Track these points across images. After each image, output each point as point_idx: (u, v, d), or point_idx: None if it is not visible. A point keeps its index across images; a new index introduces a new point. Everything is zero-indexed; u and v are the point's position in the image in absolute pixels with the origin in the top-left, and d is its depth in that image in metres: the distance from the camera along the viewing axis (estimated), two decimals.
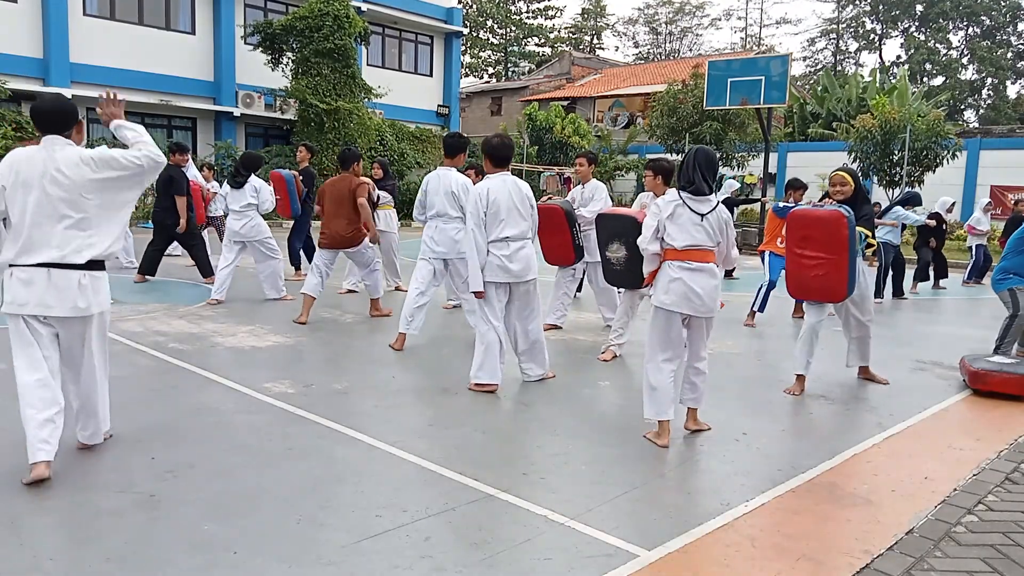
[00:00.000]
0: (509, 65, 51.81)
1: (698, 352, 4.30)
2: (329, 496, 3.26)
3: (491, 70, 53.35)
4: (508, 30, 52.11)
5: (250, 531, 2.91)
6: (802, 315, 8.50)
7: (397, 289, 9.31)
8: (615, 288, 6.78)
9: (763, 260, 8.27)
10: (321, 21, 20.12)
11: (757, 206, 19.93)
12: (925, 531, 3.14)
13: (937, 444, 4.31)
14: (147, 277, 9.04)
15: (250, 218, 8.10)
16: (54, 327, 3.37)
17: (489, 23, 51.63)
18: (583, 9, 56.99)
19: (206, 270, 9.23)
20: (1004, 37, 47.94)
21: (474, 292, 5.00)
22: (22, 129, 17.61)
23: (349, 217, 7.16)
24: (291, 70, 21.04)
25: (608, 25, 59.35)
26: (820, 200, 5.56)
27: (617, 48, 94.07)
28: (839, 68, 50.32)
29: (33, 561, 2.63)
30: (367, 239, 7.35)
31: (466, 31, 33.92)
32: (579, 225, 6.68)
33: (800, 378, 5.27)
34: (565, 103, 32.74)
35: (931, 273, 11.78)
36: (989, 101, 48.45)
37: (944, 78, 47.90)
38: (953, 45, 49.44)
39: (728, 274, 11.16)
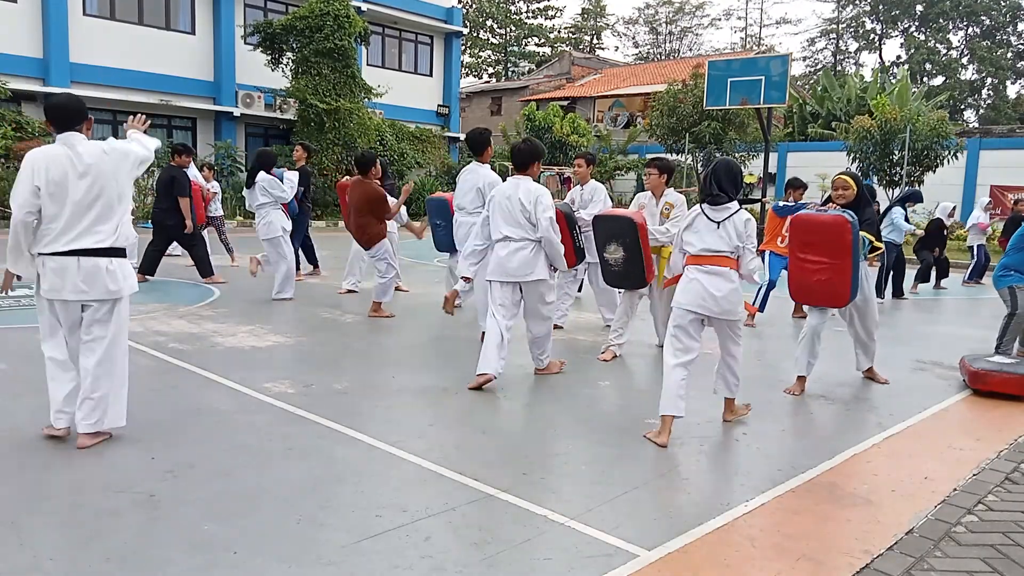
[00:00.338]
0: (509, 65, 51.81)
1: (728, 348, 4.46)
2: (329, 496, 3.26)
3: (491, 70, 53.35)
4: (508, 30, 52.12)
5: (250, 531, 2.91)
6: (802, 315, 8.52)
7: (397, 289, 9.30)
8: (615, 289, 6.78)
9: (763, 260, 8.27)
10: (321, 21, 20.13)
11: (757, 206, 19.92)
12: (925, 531, 3.14)
13: (937, 444, 4.31)
14: (147, 277, 9.03)
15: (263, 216, 8.23)
16: (81, 313, 3.67)
17: (489, 23, 51.64)
18: (583, 9, 57.03)
19: (206, 270, 9.22)
20: (1004, 37, 47.95)
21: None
22: (22, 129, 17.63)
23: (364, 223, 7.25)
24: (291, 70, 21.06)
25: (608, 25, 59.39)
26: (823, 204, 5.55)
27: (617, 48, 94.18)
28: (839, 68, 50.34)
29: (33, 561, 2.63)
30: (385, 241, 7.43)
31: (466, 31, 33.92)
32: (579, 227, 6.68)
33: (801, 379, 5.27)
34: (565, 103, 32.76)
35: (932, 274, 11.79)
36: (989, 101, 48.46)
37: (944, 78, 47.91)
38: (953, 45, 49.46)
39: None
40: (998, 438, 4.43)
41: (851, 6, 52.26)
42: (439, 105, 28.48)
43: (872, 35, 52.63)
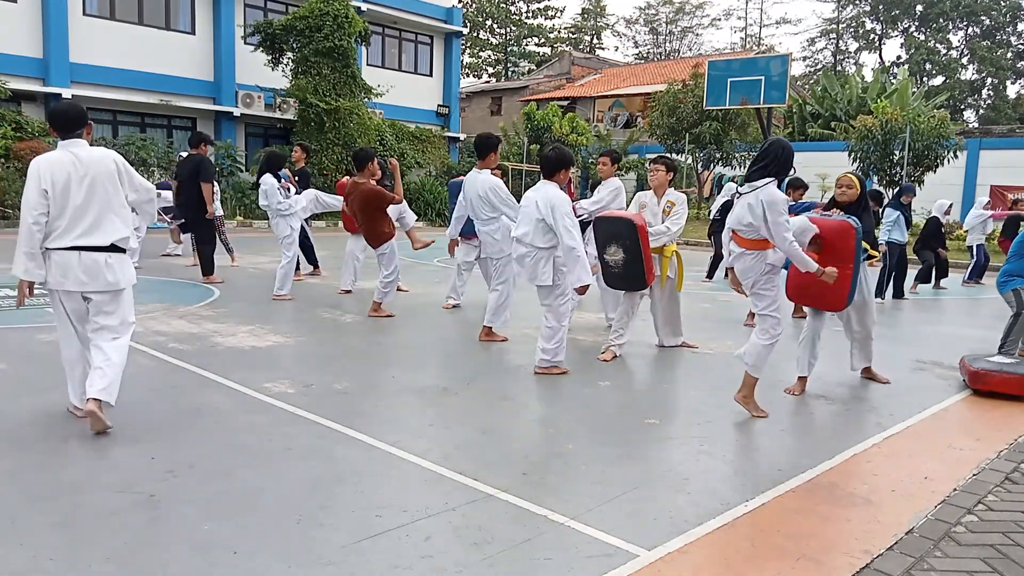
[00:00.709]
0: (509, 65, 51.81)
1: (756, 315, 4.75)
2: (329, 496, 3.26)
3: (491, 70, 53.36)
4: (508, 30, 52.12)
5: (250, 531, 2.91)
6: (802, 315, 8.51)
7: (397, 289, 9.30)
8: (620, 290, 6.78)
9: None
10: (321, 21, 20.13)
11: None
12: (925, 531, 3.14)
13: (937, 444, 4.31)
14: (214, 279, 9.24)
15: (272, 216, 8.36)
16: (86, 302, 3.96)
17: (489, 23, 51.65)
18: (583, 9, 57.05)
19: (208, 269, 9.24)
20: (1004, 37, 47.97)
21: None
22: (22, 129, 17.62)
23: (371, 222, 7.28)
24: (291, 70, 21.06)
25: (608, 25, 59.42)
26: (827, 208, 5.56)
27: (617, 48, 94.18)
28: (839, 68, 50.35)
29: (33, 561, 2.63)
30: (392, 242, 7.43)
31: (466, 31, 33.93)
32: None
33: (802, 379, 5.27)
34: (565, 103, 32.76)
35: (932, 275, 11.81)
36: (989, 101, 48.47)
37: (944, 78, 47.92)
38: (953, 45, 49.48)
39: (710, 275, 11.15)
40: (998, 438, 4.43)
41: (851, 6, 52.28)
42: (439, 105, 28.48)
43: (872, 35, 52.65)
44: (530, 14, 51.79)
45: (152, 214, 4.37)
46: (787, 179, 8.41)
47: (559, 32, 54.89)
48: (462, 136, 28.69)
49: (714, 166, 25.40)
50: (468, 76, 50.23)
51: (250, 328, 6.72)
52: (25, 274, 3.82)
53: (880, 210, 11.03)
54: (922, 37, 48.97)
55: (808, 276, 5.14)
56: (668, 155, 6.15)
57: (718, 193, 14.50)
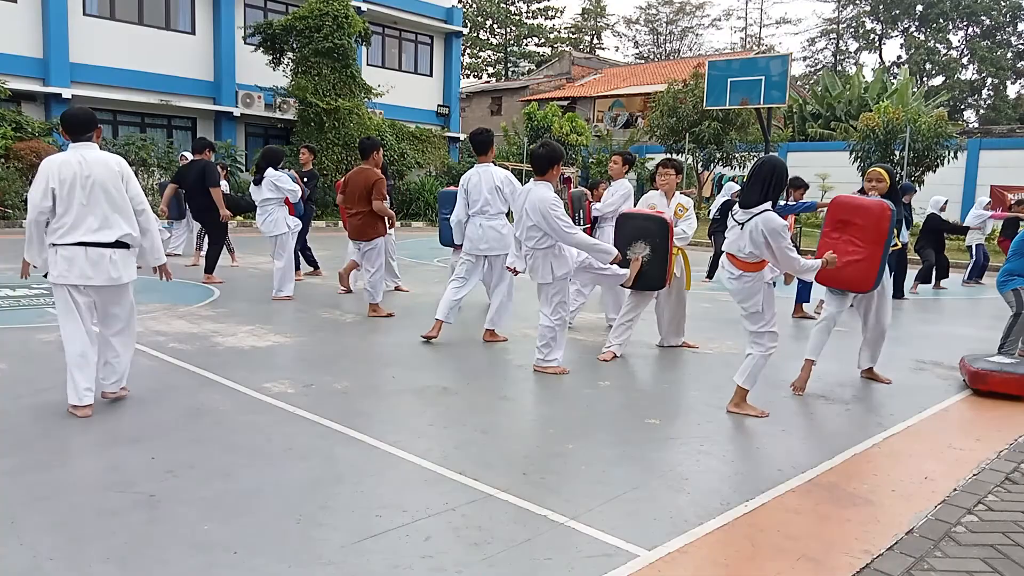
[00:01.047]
0: (509, 65, 51.81)
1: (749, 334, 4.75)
2: (329, 496, 3.26)
3: (491, 70, 53.36)
4: (508, 30, 52.12)
5: (250, 531, 2.91)
6: (802, 315, 8.54)
7: (397, 289, 9.31)
8: (625, 289, 6.77)
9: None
10: (321, 21, 20.12)
11: None
12: (925, 531, 3.14)
13: (937, 444, 4.31)
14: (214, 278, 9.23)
15: (268, 213, 8.22)
16: (92, 296, 4.18)
17: (489, 23, 51.64)
18: (583, 9, 57.02)
19: (210, 267, 9.26)
20: (1004, 37, 47.97)
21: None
22: (22, 129, 17.62)
23: (365, 211, 7.22)
24: (291, 70, 21.06)
25: (608, 25, 59.43)
26: (859, 193, 5.61)
27: (617, 48, 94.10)
28: (839, 68, 50.35)
29: (33, 561, 2.63)
30: (380, 239, 7.43)
31: (466, 31, 33.93)
32: (585, 212, 6.76)
33: (807, 364, 5.26)
34: (565, 103, 32.76)
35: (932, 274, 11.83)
36: (989, 101, 48.47)
37: (944, 78, 47.93)
38: (953, 45, 49.49)
39: (710, 275, 11.12)
40: (998, 438, 4.43)
41: (851, 6, 52.28)
42: (439, 105, 28.48)
43: (872, 35, 52.65)
44: (530, 14, 51.79)
45: (143, 226, 4.29)
46: (788, 179, 8.42)
47: (559, 32, 54.89)
48: (462, 136, 28.67)
49: (714, 166, 25.40)
50: (468, 76, 50.25)
51: (250, 328, 6.72)
52: (27, 256, 4.21)
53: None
54: (922, 37, 48.97)
55: (840, 255, 5.15)
56: (675, 157, 6.14)
57: (718, 193, 14.49)
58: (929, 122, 18.72)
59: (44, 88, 19.11)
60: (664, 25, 58.84)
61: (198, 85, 22.00)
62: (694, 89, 22.76)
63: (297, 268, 10.12)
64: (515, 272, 5.84)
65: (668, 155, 6.68)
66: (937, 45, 48.70)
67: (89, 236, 4.06)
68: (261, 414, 4.34)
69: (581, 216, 6.89)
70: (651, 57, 57.40)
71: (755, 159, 4.59)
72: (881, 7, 50.06)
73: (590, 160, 27.03)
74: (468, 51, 49.84)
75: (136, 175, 4.33)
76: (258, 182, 8.23)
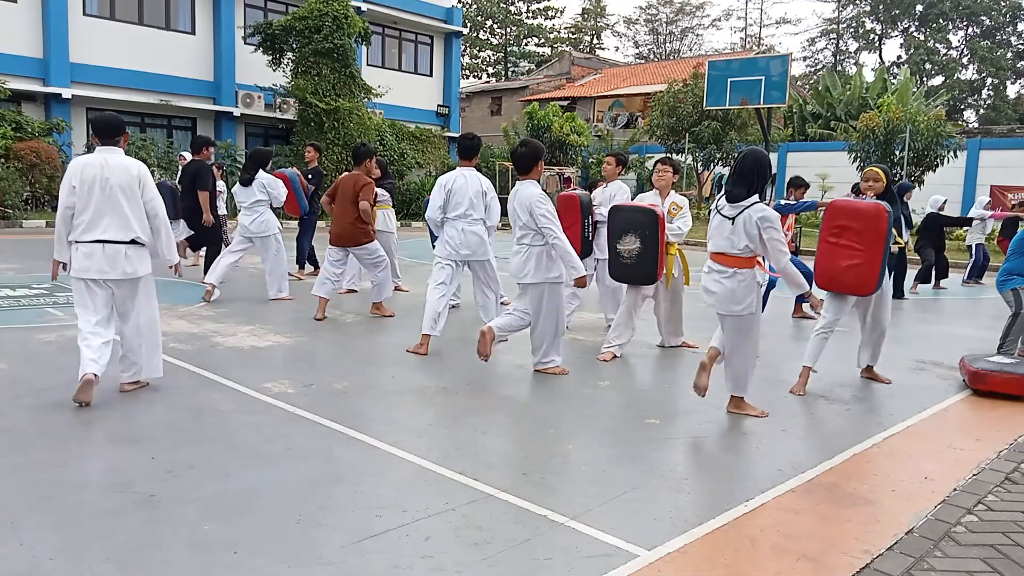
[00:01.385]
0: (509, 65, 51.81)
1: (729, 342, 4.53)
2: (329, 496, 3.26)
3: (491, 70, 53.35)
4: (508, 30, 52.11)
5: (250, 531, 2.91)
6: (802, 315, 8.53)
7: (397, 289, 9.30)
8: (622, 287, 6.76)
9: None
10: (321, 22, 20.12)
11: None
12: (925, 531, 3.14)
13: (937, 444, 4.31)
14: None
15: (259, 214, 8.14)
16: (110, 288, 4.46)
17: (489, 23, 51.63)
18: (583, 9, 57.01)
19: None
20: (1004, 37, 47.98)
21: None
22: (22, 129, 17.62)
23: (354, 215, 7.18)
24: (291, 70, 21.06)
25: (608, 25, 59.41)
26: (855, 194, 5.61)
27: (617, 48, 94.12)
28: (839, 68, 50.35)
29: (33, 561, 2.63)
30: (375, 242, 7.41)
31: (466, 31, 33.94)
32: (592, 218, 6.72)
33: (806, 371, 5.26)
34: (565, 103, 32.75)
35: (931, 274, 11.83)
36: (989, 101, 48.46)
37: (944, 78, 47.92)
38: (953, 45, 49.49)
39: None
40: (998, 438, 4.43)
41: (851, 6, 52.28)
42: (439, 105, 28.48)
43: (872, 35, 52.65)
44: (530, 14, 51.79)
45: (155, 228, 4.59)
46: (788, 179, 8.42)
47: (559, 32, 54.88)
48: None
49: (714, 166, 25.40)
50: (468, 76, 50.24)
51: (250, 328, 6.72)
52: (57, 255, 4.54)
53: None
54: (922, 37, 48.97)
55: (836, 262, 5.17)
56: (672, 156, 6.12)
57: (718, 193, 14.50)
58: (929, 122, 18.71)
59: (44, 88, 19.11)
60: (664, 25, 58.84)
61: (198, 85, 22.01)
62: (694, 89, 22.77)
63: (302, 267, 10.15)
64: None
65: (666, 154, 6.64)
66: (937, 45, 48.70)
67: (106, 234, 4.37)
68: (261, 414, 4.34)
69: (590, 223, 6.77)
70: (651, 57, 57.39)
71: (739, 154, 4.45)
72: (881, 7, 50.06)
73: (590, 160, 27.01)
74: (468, 51, 49.83)
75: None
76: (246, 182, 8.15)
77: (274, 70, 21.13)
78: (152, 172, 18.96)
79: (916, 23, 49.75)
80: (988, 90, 48.88)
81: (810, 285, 5.12)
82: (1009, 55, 47.46)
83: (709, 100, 19.66)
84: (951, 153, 18.84)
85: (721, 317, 4.54)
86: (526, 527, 3.02)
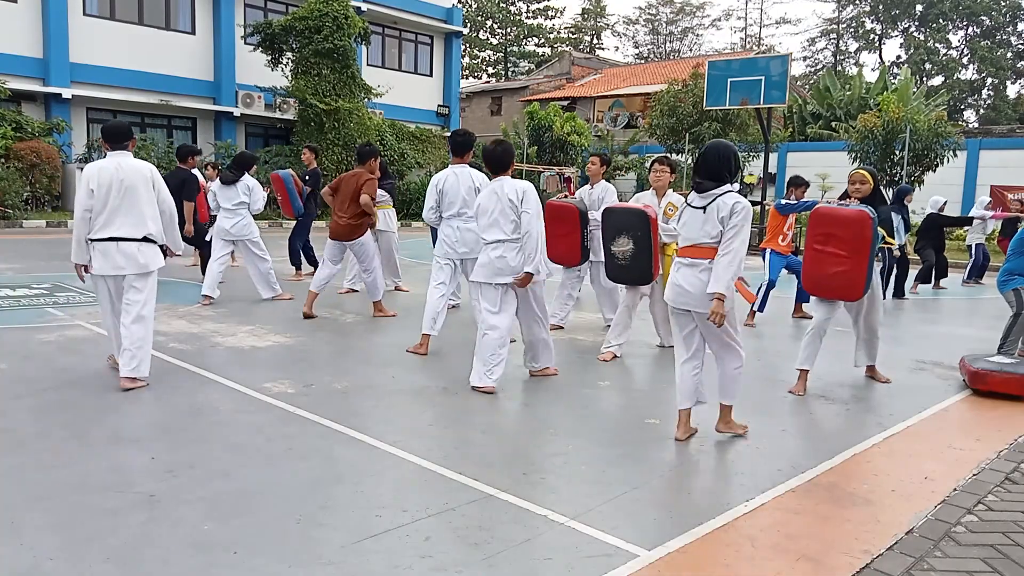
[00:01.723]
0: (509, 65, 51.80)
1: (713, 348, 4.23)
2: (329, 496, 3.26)
3: (491, 70, 53.35)
4: (508, 30, 52.10)
5: (250, 531, 2.91)
6: (802, 315, 8.53)
7: (397, 289, 9.30)
8: (618, 287, 6.77)
9: (764, 259, 8.28)
10: (321, 22, 20.11)
11: (757, 207, 19.93)
12: (925, 531, 3.14)
13: (937, 444, 4.31)
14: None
15: (241, 216, 8.09)
16: (122, 284, 4.79)
17: (489, 23, 51.63)
18: (583, 9, 57.00)
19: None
20: (1004, 37, 47.97)
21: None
22: (22, 129, 17.62)
23: (353, 211, 7.20)
24: (291, 70, 21.05)
25: (608, 25, 59.39)
26: (841, 199, 5.59)
27: (617, 48, 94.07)
28: (839, 68, 50.35)
29: (33, 561, 2.63)
30: (368, 234, 7.41)
31: (466, 31, 33.94)
32: (588, 226, 6.70)
33: (803, 374, 5.25)
34: (565, 103, 32.74)
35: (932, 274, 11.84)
36: (989, 101, 48.46)
37: (944, 78, 47.91)
38: (953, 45, 49.48)
39: None
40: (998, 438, 4.43)
41: (851, 6, 52.27)
42: (439, 105, 28.47)
43: (872, 35, 52.64)
44: (530, 14, 51.77)
45: (166, 224, 4.98)
46: (788, 178, 8.42)
47: (559, 32, 54.86)
48: None
49: None
50: (468, 76, 50.23)
51: (250, 328, 6.72)
52: (75, 258, 4.84)
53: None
54: (922, 37, 48.96)
55: (822, 268, 5.15)
56: (669, 156, 6.11)
57: None
58: (929, 122, 18.71)
59: (44, 88, 19.11)
60: (664, 25, 58.83)
61: (198, 85, 22.00)
62: (694, 89, 22.73)
63: (298, 268, 10.13)
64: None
65: (663, 154, 6.62)
66: (937, 45, 48.69)
67: (120, 232, 4.71)
68: (261, 414, 4.34)
69: (588, 232, 6.75)
70: (651, 57, 57.38)
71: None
72: (881, 7, 50.05)
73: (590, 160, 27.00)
74: (468, 51, 49.82)
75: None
76: (230, 182, 8.10)
77: (272, 70, 21.11)
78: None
79: (916, 23, 49.74)
80: (988, 90, 48.87)
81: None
82: (1009, 55, 47.46)
83: (709, 100, 19.62)
84: (951, 153, 18.84)
85: (697, 319, 4.13)
86: (526, 527, 3.02)
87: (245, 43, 21.82)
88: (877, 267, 5.48)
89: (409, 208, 22.69)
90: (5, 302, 7.58)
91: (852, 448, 4.15)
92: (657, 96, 24.59)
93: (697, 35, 64.02)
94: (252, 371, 5.26)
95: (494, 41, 52.56)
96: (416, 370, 5.53)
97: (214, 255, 8.06)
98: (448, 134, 27.39)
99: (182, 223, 8.79)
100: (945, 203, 11.98)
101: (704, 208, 3.98)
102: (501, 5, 50.47)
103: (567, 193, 8.07)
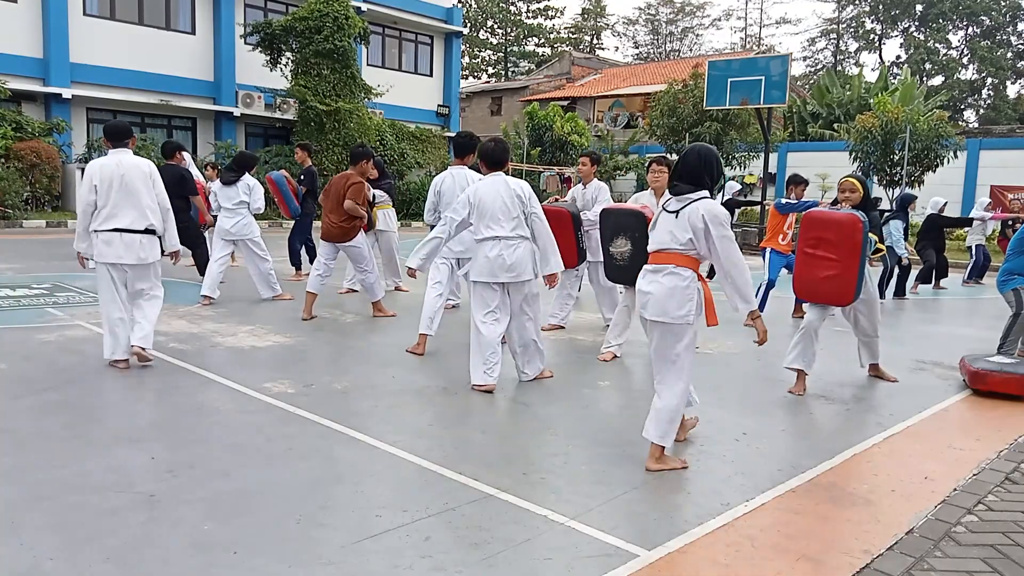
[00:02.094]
0: (509, 65, 51.80)
1: (660, 371, 3.76)
2: (329, 496, 3.26)
3: (491, 70, 53.35)
4: (508, 30, 52.10)
5: (250, 531, 2.91)
6: (802, 315, 8.51)
7: (397, 289, 9.30)
8: (617, 287, 6.77)
9: (764, 258, 8.28)
10: (321, 22, 20.11)
11: (757, 208, 19.93)
12: (925, 531, 3.14)
13: (937, 444, 4.31)
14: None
15: (241, 216, 8.09)
16: (126, 272, 5.15)
17: (489, 23, 51.63)
18: (583, 9, 56.99)
19: (204, 270, 9.23)
20: (1004, 37, 47.96)
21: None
22: (22, 129, 17.62)
23: (341, 213, 7.18)
24: (291, 71, 21.05)
25: (608, 25, 59.38)
26: (833, 205, 5.57)
27: (617, 48, 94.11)
28: (839, 68, 50.36)
29: (33, 561, 2.63)
30: (361, 236, 7.39)
31: (466, 31, 33.93)
32: (583, 227, 6.69)
33: (802, 376, 5.25)
34: (565, 103, 32.75)
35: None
36: (989, 101, 48.45)
37: (944, 78, 47.91)
38: (953, 45, 49.47)
39: (710, 275, 11.11)
40: (998, 438, 4.43)
41: (851, 6, 52.26)
42: (439, 105, 28.47)
43: (872, 35, 52.64)
44: (530, 14, 51.77)
45: (164, 218, 5.29)
46: (787, 177, 8.41)
47: (559, 32, 54.86)
48: None
49: None
50: (468, 76, 50.23)
51: (250, 328, 6.72)
52: (77, 246, 5.20)
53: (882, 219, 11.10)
54: (922, 37, 48.95)
55: (814, 271, 5.15)
56: (667, 156, 6.10)
57: (719, 193, 14.51)
58: (929, 122, 18.71)
59: (44, 88, 19.11)
60: (664, 25, 58.83)
61: (198, 85, 22.00)
62: (694, 89, 22.72)
63: (298, 268, 10.12)
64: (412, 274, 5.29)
65: (662, 154, 6.61)
66: (937, 45, 48.68)
67: (124, 224, 5.05)
68: (261, 414, 4.34)
69: (582, 235, 6.74)
70: (651, 57, 57.37)
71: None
72: (881, 7, 50.05)
73: None
74: (468, 51, 49.82)
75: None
76: (230, 182, 8.11)
77: (271, 70, 21.11)
78: None
79: (916, 23, 49.74)
80: (988, 90, 48.86)
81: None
82: (1009, 55, 47.45)
83: (709, 100, 19.62)
84: (951, 153, 18.84)
85: (651, 328, 3.77)
86: (526, 527, 3.02)
87: (245, 43, 21.82)
88: (877, 270, 5.48)
89: (409, 208, 22.70)
90: (5, 302, 7.58)
91: (852, 448, 4.15)
92: (657, 96, 24.57)
93: (697, 35, 64.02)
94: (252, 371, 5.26)
95: (494, 41, 52.56)
96: (416, 370, 5.53)
97: (214, 255, 8.05)
98: (449, 135, 27.55)
99: (189, 220, 8.82)
100: (945, 204, 12.00)
101: (677, 213, 3.72)
102: (501, 5, 50.46)
103: (556, 197, 8.04)
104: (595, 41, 58.66)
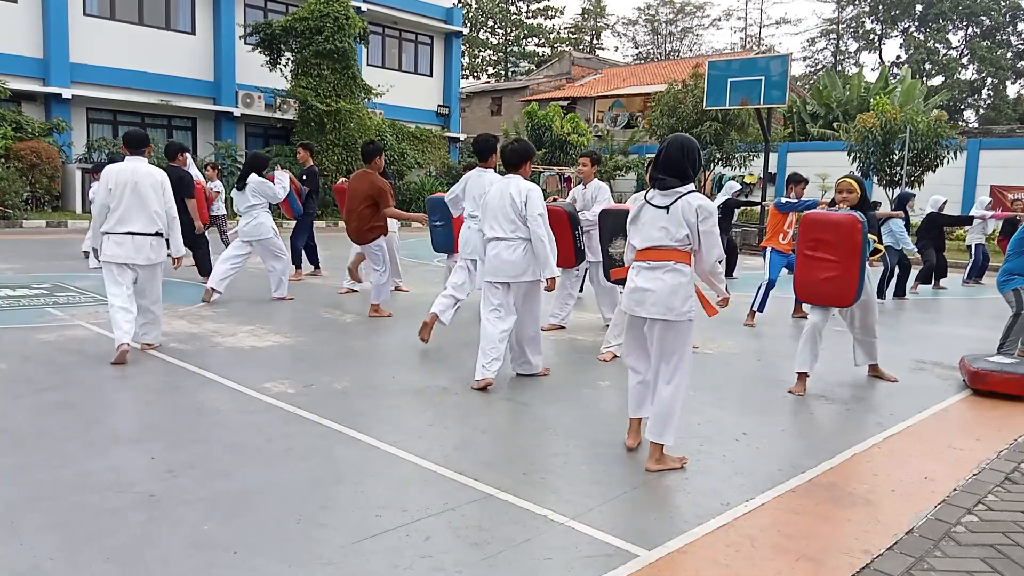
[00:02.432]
0: (509, 65, 51.80)
1: (658, 369, 3.76)
2: (329, 496, 3.26)
3: (491, 70, 53.35)
4: (508, 30, 52.10)
5: (250, 531, 2.91)
6: (802, 315, 8.53)
7: (397, 289, 9.30)
8: (617, 287, 6.76)
9: (764, 257, 8.28)
10: (321, 22, 20.10)
11: (757, 208, 19.92)
12: (925, 531, 3.14)
13: (937, 444, 4.31)
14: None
15: (253, 217, 8.12)
16: (135, 272, 5.49)
17: (489, 23, 51.63)
18: (583, 9, 57.00)
19: (205, 269, 9.22)
20: (1004, 37, 47.97)
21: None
22: (22, 129, 17.62)
23: (363, 215, 7.23)
24: (291, 71, 21.05)
25: (608, 25, 59.37)
26: (831, 205, 5.57)
27: (617, 48, 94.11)
28: (839, 68, 50.36)
29: (33, 561, 2.63)
30: (382, 239, 7.46)
31: (466, 31, 33.93)
32: (581, 227, 6.69)
33: (802, 377, 5.26)
34: (565, 103, 32.75)
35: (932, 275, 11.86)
36: (989, 101, 48.45)
37: (944, 78, 47.91)
38: (953, 45, 49.48)
39: (728, 273, 11.13)
40: (998, 438, 4.43)
41: (851, 6, 52.27)
42: (439, 105, 28.47)
43: (872, 35, 52.64)
44: (530, 14, 51.77)
45: (170, 225, 5.65)
46: (787, 176, 8.41)
47: (559, 32, 54.86)
48: (462, 136, 28.68)
49: (714, 166, 25.38)
50: (468, 76, 50.23)
51: (250, 328, 6.72)
52: (89, 244, 5.67)
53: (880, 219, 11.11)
54: (922, 37, 48.96)
55: (814, 273, 5.14)
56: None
57: (718, 192, 14.51)
58: (928, 122, 18.71)
59: (44, 88, 19.11)
60: (664, 25, 58.82)
61: (198, 85, 22.01)
62: (694, 89, 22.72)
63: (299, 267, 10.13)
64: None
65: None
66: (937, 45, 48.69)
67: (135, 227, 5.40)
68: (261, 414, 4.34)
69: (580, 234, 6.74)
70: (651, 57, 57.37)
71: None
72: (881, 7, 50.05)
73: None
74: (468, 51, 49.81)
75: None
76: (242, 188, 8.17)
77: (270, 71, 21.10)
78: None
79: (916, 23, 49.74)
80: (988, 90, 48.86)
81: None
82: (1009, 55, 47.45)
83: (709, 100, 19.61)
84: (951, 154, 18.84)
85: (649, 326, 3.77)
86: (526, 527, 3.02)
87: (245, 43, 21.82)
88: (877, 271, 5.48)
89: (409, 208, 22.69)
90: (5, 302, 7.58)
91: (852, 448, 4.15)
92: (657, 96, 24.57)
93: (697, 35, 64.07)
94: (252, 371, 5.26)
95: (494, 41, 52.56)
96: (416, 370, 5.53)
97: (227, 252, 8.13)
98: (449, 135, 27.52)
99: (188, 220, 8.81)
100: (945, 202, 12.01)
101: (667, 208, 3.69)
102: (501, 5, 50.46)
103: (556, 197, 8.05)
104: (595, 41, 58.68)
